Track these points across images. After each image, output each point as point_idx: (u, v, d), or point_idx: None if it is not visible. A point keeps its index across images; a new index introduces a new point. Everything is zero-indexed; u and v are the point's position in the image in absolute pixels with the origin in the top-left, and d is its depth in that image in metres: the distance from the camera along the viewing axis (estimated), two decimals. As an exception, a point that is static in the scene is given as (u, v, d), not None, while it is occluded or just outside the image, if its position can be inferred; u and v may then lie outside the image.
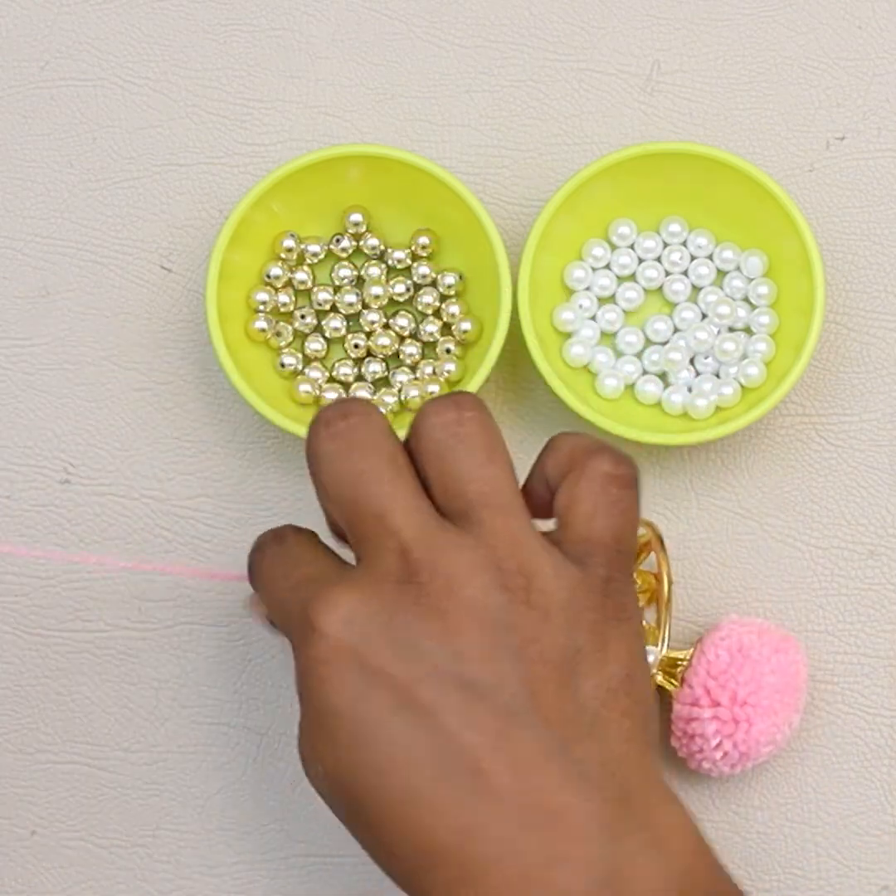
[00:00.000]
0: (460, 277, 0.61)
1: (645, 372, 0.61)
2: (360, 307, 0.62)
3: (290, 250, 0.61)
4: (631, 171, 0.60)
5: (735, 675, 0.56)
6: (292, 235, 0.61)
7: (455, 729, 0.43)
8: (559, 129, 0.64)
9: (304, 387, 0.61)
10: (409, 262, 0.62)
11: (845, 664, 0.60)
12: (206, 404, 0.62)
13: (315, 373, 0.61)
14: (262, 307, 0.61)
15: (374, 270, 0.62)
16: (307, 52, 0.65)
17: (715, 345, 0.60)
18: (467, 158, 0.64)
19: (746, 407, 0.59)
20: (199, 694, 0.60)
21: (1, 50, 0.65)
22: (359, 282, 0.62)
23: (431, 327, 0.61)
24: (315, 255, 0.62)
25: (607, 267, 0.62)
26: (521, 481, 0.48)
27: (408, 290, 0.62)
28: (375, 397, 0.60)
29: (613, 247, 0.62)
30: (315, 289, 0.62)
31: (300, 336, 0.62)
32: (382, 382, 0.61)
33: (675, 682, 0.56)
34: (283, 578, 0.48)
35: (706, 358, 0.61)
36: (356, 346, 0.61)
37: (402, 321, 0.61)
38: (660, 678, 0.57)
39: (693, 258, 0.62)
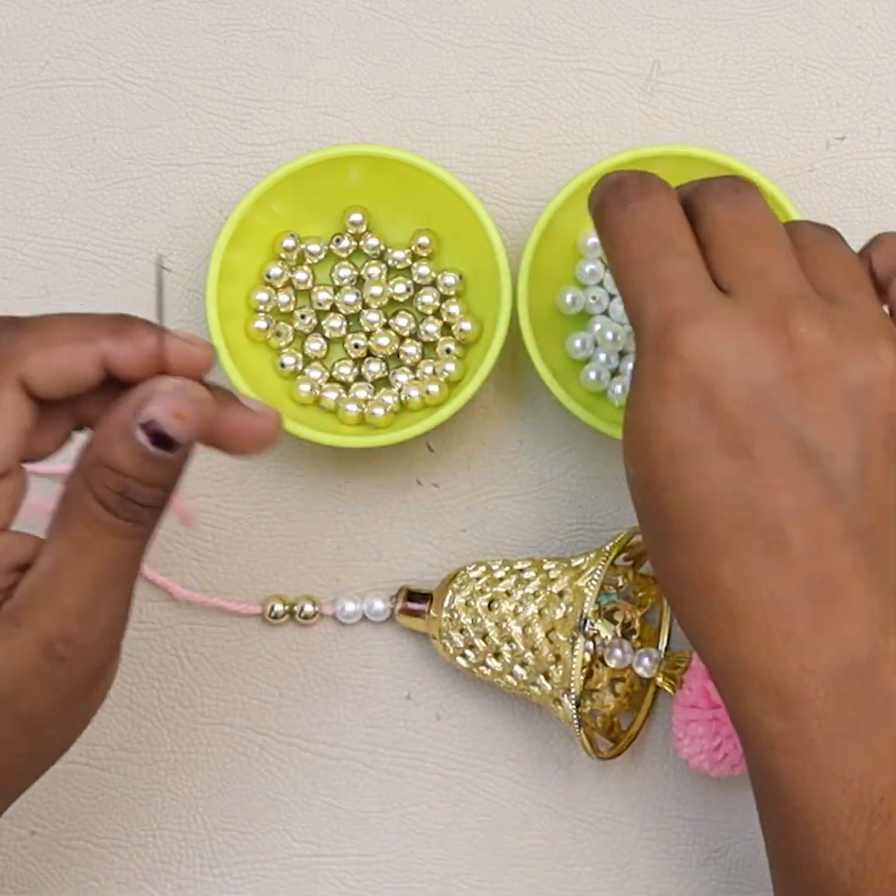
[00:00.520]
0: (460, 277, 0.61)
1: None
2: (360, 307, 0.62)
3: (290, 250, 0.61)
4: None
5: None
6: (292, 235, 0.61)
7: (776, 487, 0.43)
8: (559, 129, 0.64)
9: (304, 387, 0.61)
10: (409, 262, 0.62)
11: (845, 664, 0.60)
12: (206, 404, 0.62)
13: (315, 373, 0.61)
14: (262, 307, 0.61)
15: (374, 270, 0.62)
16: (307, 52, 0.65)
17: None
18: (467, 158, 0.64)
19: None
20: (200, 694, 0.60)
21: (1, 50, 0.65)
22: (359, 282, 0.62)
23: (431, 327, 0.61)
24: (315, 255, 0.62)
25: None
26: None
27: (408, 290, 0.62)
28: (375, 397, 0.60)
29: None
30: (315, 289, 0.62)
31: (300, 336, 0.62)
32: (382, 382, 0.61)
33: (676, 683, 0.56)
34: (646, 254, 0.46)
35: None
36: (356, 346, 0.61)
37: (402, 321, 0.61)
38: (660, 679, 0.57)
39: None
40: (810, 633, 0.43)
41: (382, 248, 0.62)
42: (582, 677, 0.54)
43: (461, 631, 0.57)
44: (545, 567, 0.57)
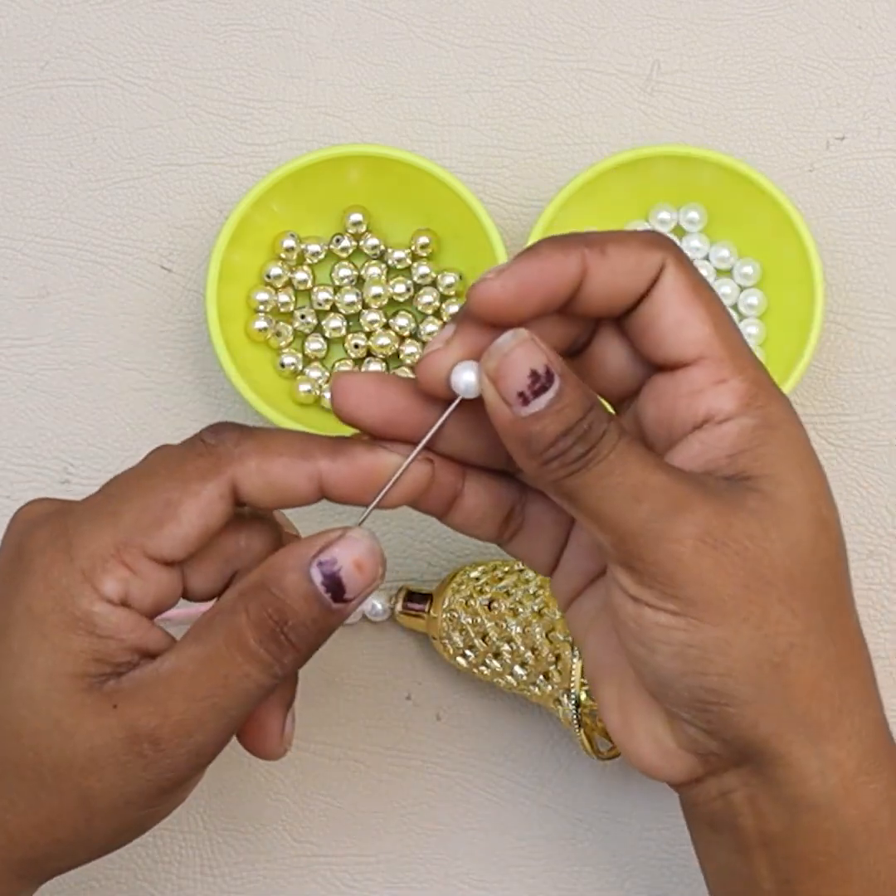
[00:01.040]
0: (460, 277, 0.61)
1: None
2: (360, 307, 0.62)
3: (290, 250, 0.61)
4: (632, 172, 0.60)
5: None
6: (292, 235, 0.61)
7: None
8: (559, 129, 0.64)
9: (304, 387, 0.61)
10: (409, 262, 0.62)
11: (845, 664, 0.60)
12: (206, 404, 0.62)
13: (315, 373, 0.61)
14: (262, 307, 0.61)
15: (374, 270, 0.62)
16: (307, 52, 0.65)
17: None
18: (467, 158, 0.64)
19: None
20: (199, 694, 0.60)
21: (1, 50, 0.65)
22: (359, 282, 0.62)
23: (431, 327, 0.61)
24: (315, 255, 0.62)
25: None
26: None
27: (408, 290, 0.62)
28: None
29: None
30: (315, 289, 0.62)
31: (300, 336, 0.62)
32: (382, 382, 0.61)
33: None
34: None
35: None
36: (356, 346, 0.61)
37: (402, 321, 0.61)
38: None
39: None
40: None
41: (382, 248, 0.62)
42: (582, 677, 0.54)
43: (461, 631, 0.57)
44: (545, 567, 0.57)
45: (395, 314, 0.62)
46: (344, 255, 0.62)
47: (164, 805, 0.44)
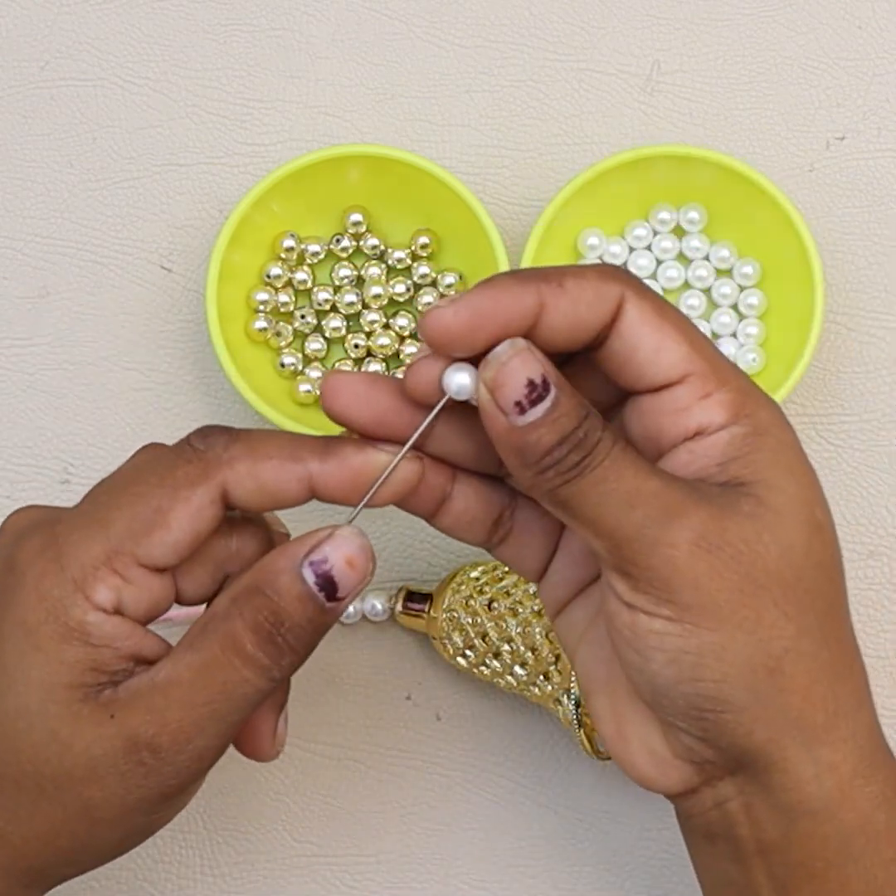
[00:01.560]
0: (460, 277, 0.61)
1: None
2: (360, 307, 0.62)
3: (290, 250, 0.61)
4: (632, 172, 0.60)
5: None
6: (292, 235, 0.61)
7: None
8: (559, 129, 0.64)
9: (304, 387, 0.61)
10: (409, 262, 0.62)
11: (845, 664, 0.60)
12: (206, 404, 0.62)
13: (315, 373, 0.61)
14: (262, 307, 0.61)
15: (374, 270, 0.62)
16: (307, 52, 0.65)
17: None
18: (467, 158, 0.64)
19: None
20: (199, 694, 0.60)
21: (1, 50, 0.65)
22: (359, 282, 0.62)
23: (431, 327, 0.61)
24: (315, 255, 0.62)
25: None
26: None
27: (408, 290, 0.62)
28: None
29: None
30: (315, 289, 0.62)
31: (300, 336, 0.62)
32: (382, 382, 0.61)
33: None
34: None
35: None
36: (356, 346, 0.61)
37: (402, 321, 0.61)
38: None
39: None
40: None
41: (382, 248, 0.62)
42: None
43: (461, 631, 0.57)
44: (545, 567, 0.57)
45: (395, 314, 0.62)
46: (344, 255, 0.62)
47: (166, 811, 0.44)
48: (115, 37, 0.65)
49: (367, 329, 0.62)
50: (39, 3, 0.65)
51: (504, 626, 0.56)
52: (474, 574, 0.58)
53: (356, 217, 0.62)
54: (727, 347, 0.61)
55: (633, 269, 0.61)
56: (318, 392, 0.61)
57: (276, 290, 0.62)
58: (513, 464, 0.40)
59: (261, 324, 0.61)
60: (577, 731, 0.55)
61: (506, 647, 0.56)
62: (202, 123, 0.64)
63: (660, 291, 0.62)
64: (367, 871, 0.59)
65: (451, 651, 0.58)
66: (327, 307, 0.62)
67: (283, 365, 0.61)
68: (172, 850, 0.59)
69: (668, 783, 0.42)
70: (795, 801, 0.41)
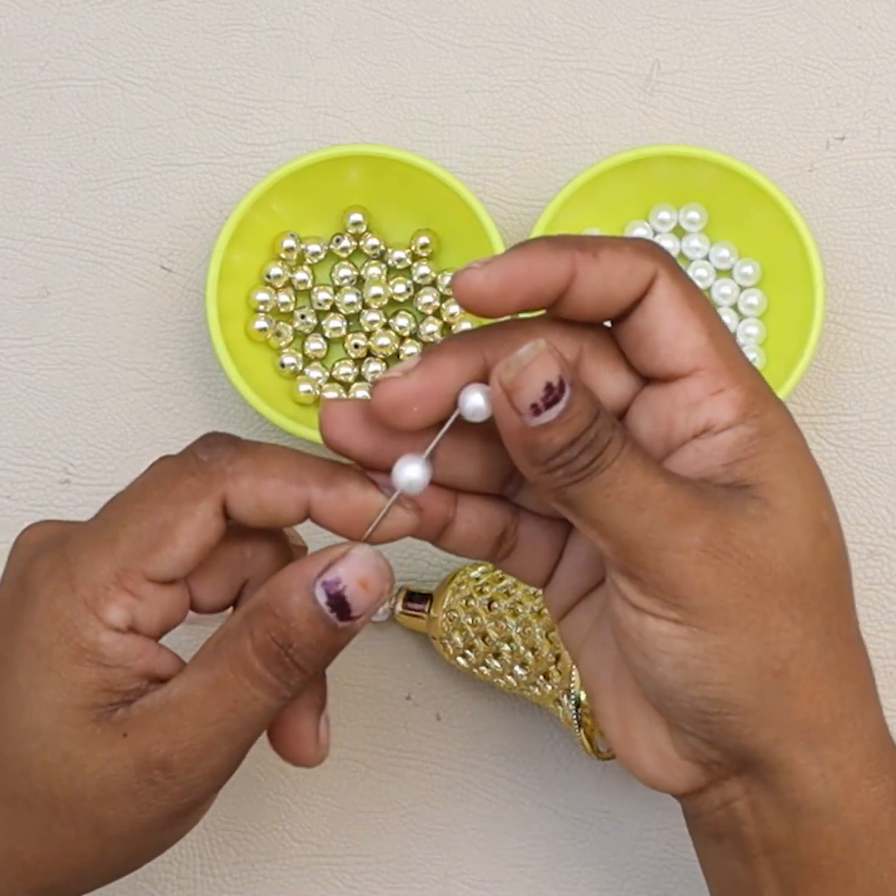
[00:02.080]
0: (460, 277, 0.61)
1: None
2: (360, 307, 0.62)
3: (290, 250, 0.61)
4: (632, 172, 0.60)
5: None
6: (292, 235, 0.61)
7: None
8: (559, 129, 0.64)
9: (304, 387, 0.61)
10: (409, 262, 0.62)
11: (845, 664, 0.60)
12: (206, 404, 0.62)
13: (315, 373, 0.61)
14: (262, 307, 0.61)
15: (374, 270, 0.62)
16: (307, 52, 0.65)
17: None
18: (467, 158, 0.64)
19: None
20: (199, 694, 0.60)
21: (1, 50, 0.65)
22: (359, 282, 0.62)
23: (431, 327, 0.61)
24: (315, 255, 0.62)
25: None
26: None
27: (408, 290, 0.62)
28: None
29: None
30: (315, 289, 0.62)
31: (300, 336, 0.62)
32: (382, 382, 0.61)
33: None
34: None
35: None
36: (356, 346, 0.61)
37: (402, 321, 0.61)
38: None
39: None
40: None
41: (382, 248, 0.62)
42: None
43: (461, 631, 0.57)
44: (545, 567, 0.57)
45: (395, 314, 0.62)
46: (344, 255, 0.62)
47: (178, 828, 0.44)
48: (115, 37, 0.65)
49: (367, 329, 0.62)
50: (39, 3, 0.65)
51: (504, 625, 0.56)
52: (474, 574, 0.58)
53: (356, 217, 0.62)
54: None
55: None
56: (318, 392, 0.61)
57: (276, 290, 0.62)
58: (521, 461, 0.40)
59: (261, 324, 0.61)
60: (577, 731, 0.55)
61: (506, 647, 0.56)
62: (202, 123, 0.64)
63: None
64: (367, 871, 0.59)
65: (451, 651, 0.58)
66: (327, 307, 0.62)
67: (283, 365, 0.61)
68: (172, 850, 0.59)
69: (675, 783, 0.42)
70: (801, 800, 0.41)
